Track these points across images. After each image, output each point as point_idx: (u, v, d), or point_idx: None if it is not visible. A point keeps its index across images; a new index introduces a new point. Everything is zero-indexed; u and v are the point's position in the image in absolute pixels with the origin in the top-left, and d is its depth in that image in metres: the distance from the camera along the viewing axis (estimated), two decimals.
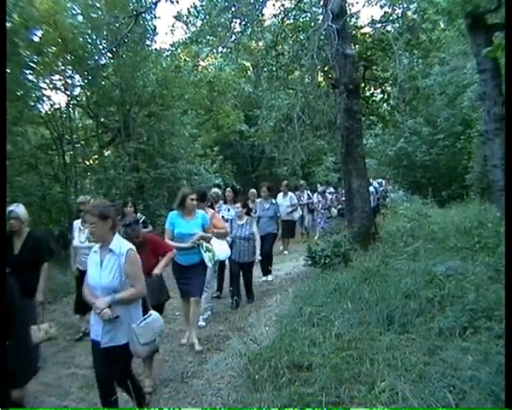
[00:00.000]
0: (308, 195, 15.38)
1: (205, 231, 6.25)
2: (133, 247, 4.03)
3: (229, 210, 8.80)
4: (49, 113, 13.51)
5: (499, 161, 8.57)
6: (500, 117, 8.66)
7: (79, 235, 7.02)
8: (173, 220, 6.24)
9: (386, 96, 13.33)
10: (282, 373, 4.03)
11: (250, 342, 4.90)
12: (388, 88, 13.07)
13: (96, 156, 15.55)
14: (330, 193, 15.84)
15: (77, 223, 7.17)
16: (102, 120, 15.08)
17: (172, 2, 10.67)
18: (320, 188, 15.23)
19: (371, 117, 13.95)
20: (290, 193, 12.99)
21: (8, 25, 10.03)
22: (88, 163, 15.33)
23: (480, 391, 3.33)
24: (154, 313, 4.20)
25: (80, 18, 13.23)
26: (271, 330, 5.71)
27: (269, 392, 3.80)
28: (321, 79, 12.54)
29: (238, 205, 8.13)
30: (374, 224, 9.95)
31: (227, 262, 8.25)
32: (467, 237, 8.04)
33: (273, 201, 10.45)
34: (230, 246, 7.75)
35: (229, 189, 9.58)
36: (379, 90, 13.81)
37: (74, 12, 13.18)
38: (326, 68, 11.37)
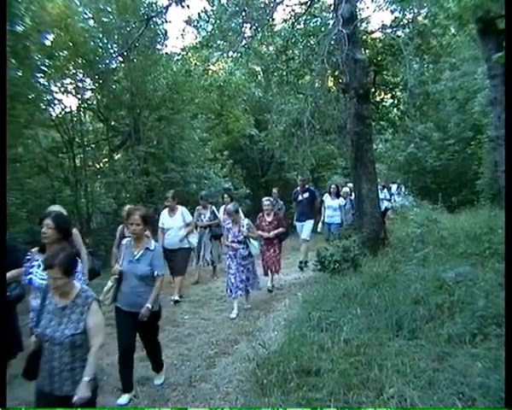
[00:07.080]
0: (213, 212, 10.21)
1: None
2: None
3: None
4: (60, 116, 13.62)
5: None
6: None
7: None
8: None
9: (396, 102, 13.28)
10: (290, 378, 4.03)
11: (258, 347, 4.91)
12: (398, 93, 13.03)
13: (106, 160, 15.69)
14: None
15: None
16: (113, 123, 15.18)
17: (183, 7, 10.68)
18: (230, 205, 7.98)
19: (381, 122, 13.88)
20: (181, 208, 8.73)
21: (20, 29, 10.13)
22: (98, 166, 15.52)
23: (490, 399, 3.31)
24: None
25: (91, 22, 13.37)
26: (280, 335, 5.72)
27: (277, 397, 3.81)
28: (331, 83, 12.53)
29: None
30: (383, 229, 9.91)
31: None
32: (477, 243, 8.00)
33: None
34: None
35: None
36: (389, 95, 13.77)
37: (86, 16, 13.33)
38: (336, 73, 11.35)
